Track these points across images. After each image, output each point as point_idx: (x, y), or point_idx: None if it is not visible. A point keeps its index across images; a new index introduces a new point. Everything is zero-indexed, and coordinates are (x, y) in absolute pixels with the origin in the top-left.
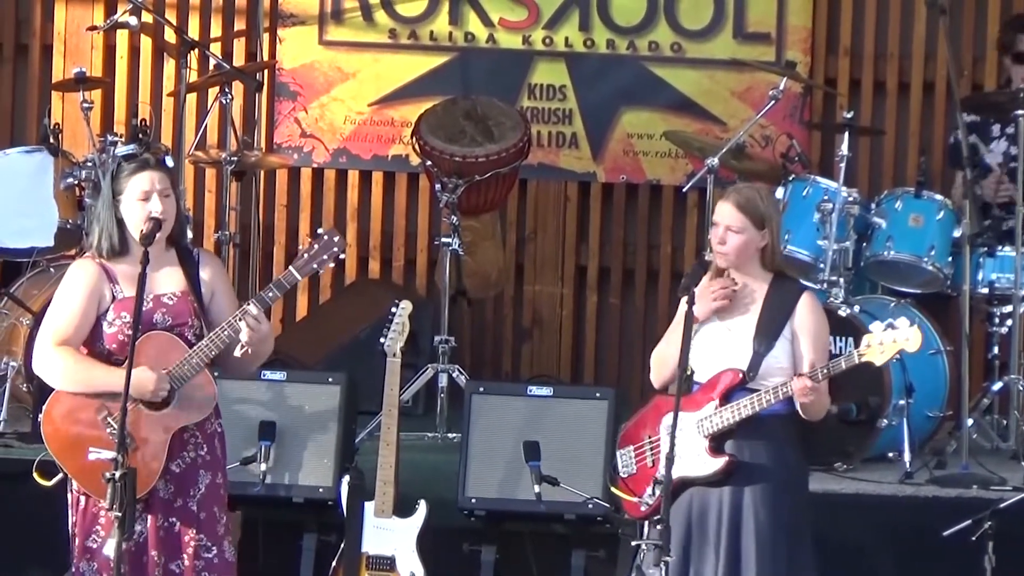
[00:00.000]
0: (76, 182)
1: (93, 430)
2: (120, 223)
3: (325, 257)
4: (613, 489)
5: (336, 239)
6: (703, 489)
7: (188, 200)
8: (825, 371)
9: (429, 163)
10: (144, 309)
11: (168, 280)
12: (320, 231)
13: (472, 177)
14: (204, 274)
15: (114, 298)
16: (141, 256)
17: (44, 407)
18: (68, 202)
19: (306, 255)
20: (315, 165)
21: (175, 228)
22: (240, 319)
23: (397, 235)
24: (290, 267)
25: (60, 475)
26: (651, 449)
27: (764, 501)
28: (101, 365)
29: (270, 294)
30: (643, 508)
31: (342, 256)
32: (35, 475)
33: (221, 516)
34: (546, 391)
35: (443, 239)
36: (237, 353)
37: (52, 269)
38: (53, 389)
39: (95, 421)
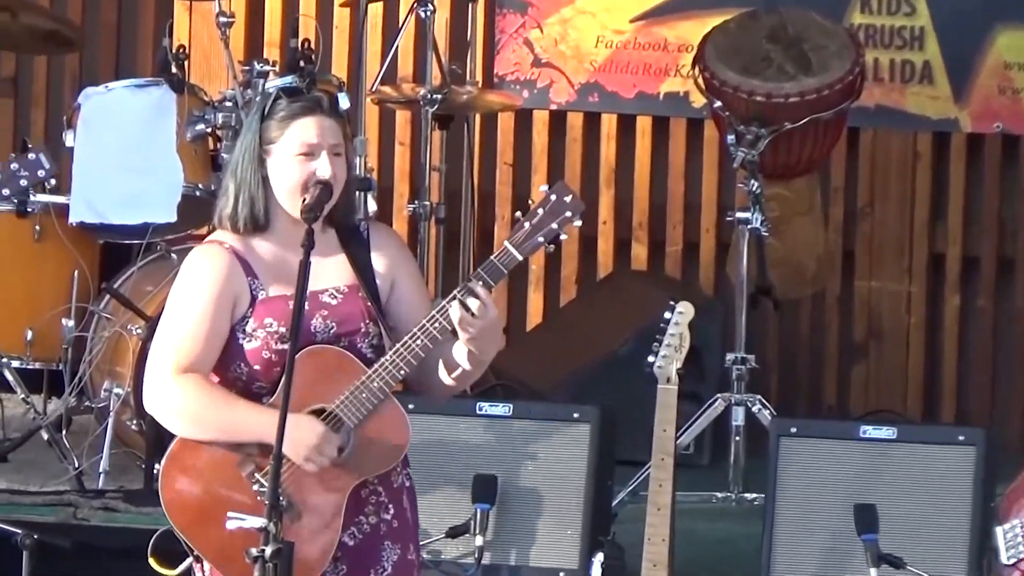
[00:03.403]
0: (209, 130)
1: (235, 493)
2: (265, 183)
3: (554, 226)
4: None
5: (568, 199)
6: None
7: (371, 157)
8: None
9: (719, 104)
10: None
11: (329, 271)
12: (545, 188)
13: (781, 125)
14: (379, 259)
15: (254, 298)
16: (290, 234)
17: (163, 461)
18: (197, 159)
19: (527, 224)
20: (554, 107)
21: (341, 200)
22: (450, 305)
23: (672, 208)
24: (506, 243)
25: (187, 561)
26: None
27: None
28: (245, 403)
29: (479, 284)
30: None
31: (578, 223)
32: (152, 561)
33: None
34: (887, 432)
35: (739, 214)
36: (461, 359)
37: (174, 255)
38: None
39: (238, 480)
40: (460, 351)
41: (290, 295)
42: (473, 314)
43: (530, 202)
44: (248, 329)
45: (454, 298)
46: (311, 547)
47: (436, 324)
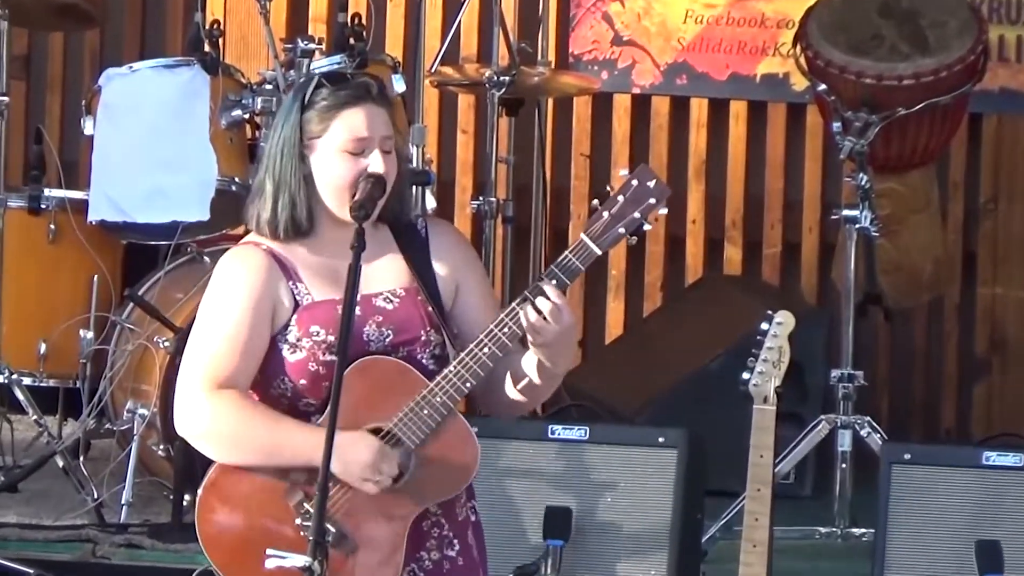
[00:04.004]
0: (247, 116)
1: (282, 526)
2: (307, 181)
3: (637, 215)
4: None
5: (652, 184)
6: None
7: (430, 147)
8: None
9: (823, 87)
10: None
11: (384, 272)
12: (625, 173)
13: (893, 111)
14: (441, 260)
15: (297, 304)
16: (337, 237)
17: (201, 490)
18: (233, 149)
19: (606, 214)
20: (637, 90)
21: (392, 196)
22: (520, 308)
23: (771, 204)
24: (582, 235)
25: None
26: None
27: None
28: (291, 420)
29: (552, 283)
30: None
31: (663, 210)
32: None
33: None
34: (1013, 459)
35: (845, 212)
36: (530, 370)
37: (206, 258)
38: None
39: (285, 511)
40: (529, 362)
41: (338, 299)
42: (545, 318)
43: (608, 189)
44: (291, 339)
45: (525, 299)
46: None
47: (506, 330)
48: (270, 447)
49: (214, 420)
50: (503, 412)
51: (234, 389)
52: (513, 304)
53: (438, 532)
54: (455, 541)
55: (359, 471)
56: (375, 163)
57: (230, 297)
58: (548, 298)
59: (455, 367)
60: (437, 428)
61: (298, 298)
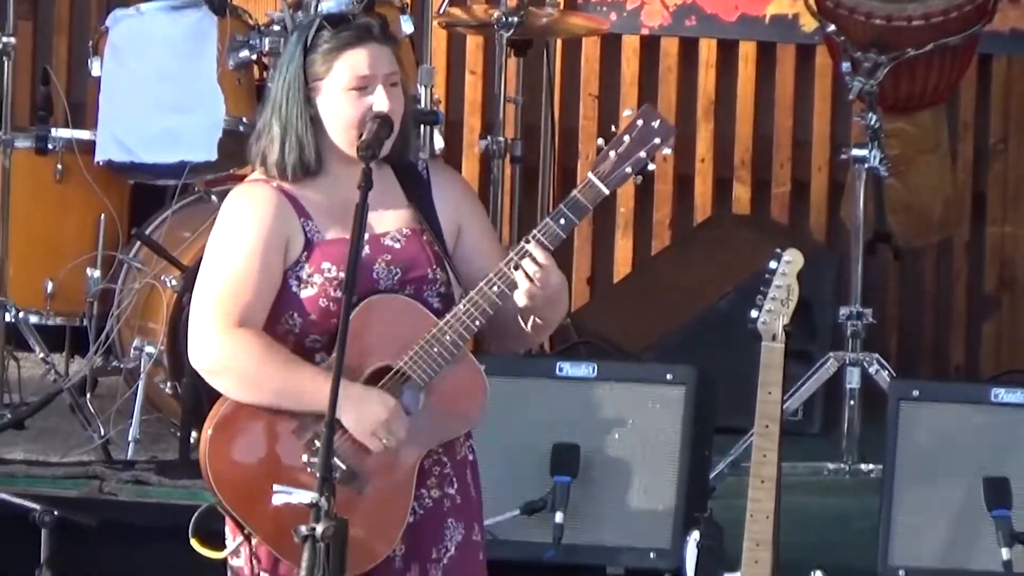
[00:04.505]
0: (254, 57)
1: (293, 462)
2: (314, 123)
3: (642, 154)
4: None
5: (656, 123)
6: None
7: (438, 88)
8: None
9: (832, 28)
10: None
11: (390, 212)
12: (630, 113)
13: (903, 51)
14: (443, 203)
15: (308, 242)
16: (345, 175)
17: (212, 427)
18: (241, 89)
19: (612, 153)
20: (646, 31)
21: (399, 132)
22: (516, 265)
23: (779, 143)
24: (590, 175)
25: (238, 539)
26: None
27: None
28: (310, 367)
29: (561, 222)
30: None
31: (668, 150)
32: (194, 542)
33: None
34: (1021, 396)
35: (854, 151)
36: (525, 324)
37: (213, 197)
38: (216, 392)
39: (294, 448)
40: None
41: (349, 238)
42: (534, 280)
43: (613, 129)
44: (303, 275)
45: (533, 238)
46: (378, 521)
47: (512, 265)
48: (285, 391)
49: (231, 358)
50: (515, 345)
51: (250, 327)
52: (522, 243)
53: (439, 470)
54: (454, 480)
55: (371, 426)
56: (379, 100)
57: (242, 232)
58: (534, 261)
59: (465, 305)
60: (447, 366)
61: (310, 235)
